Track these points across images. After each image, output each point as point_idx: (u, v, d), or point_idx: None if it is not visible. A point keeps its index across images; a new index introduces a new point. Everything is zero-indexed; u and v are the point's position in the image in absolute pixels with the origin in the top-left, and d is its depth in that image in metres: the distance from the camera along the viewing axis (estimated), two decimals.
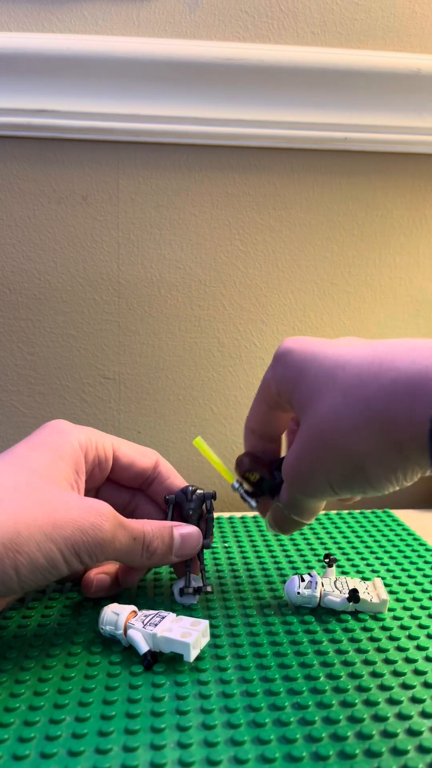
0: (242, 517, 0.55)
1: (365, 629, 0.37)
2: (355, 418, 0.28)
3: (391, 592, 0.42)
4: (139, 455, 0.40)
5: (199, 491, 0.41)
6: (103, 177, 0.60)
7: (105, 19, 0.58)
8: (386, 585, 0.43)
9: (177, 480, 0.42)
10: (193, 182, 0.61)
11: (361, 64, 0.58)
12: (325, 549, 0.48)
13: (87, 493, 0.39)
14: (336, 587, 0.39)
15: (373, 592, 0.39)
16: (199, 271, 0.63)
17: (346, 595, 0.38)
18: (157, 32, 0.58)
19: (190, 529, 0.38)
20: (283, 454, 0.39)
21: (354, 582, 0.40)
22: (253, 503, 0.39)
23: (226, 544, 0.49)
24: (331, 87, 0.58)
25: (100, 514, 0.33)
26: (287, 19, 0.59)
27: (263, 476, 0.38)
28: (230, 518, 0.54)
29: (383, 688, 0.31)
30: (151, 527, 0.36)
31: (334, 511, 0.57)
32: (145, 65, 0.56)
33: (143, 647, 0.32)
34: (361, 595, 0.38)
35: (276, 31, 0.59)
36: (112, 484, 0.41)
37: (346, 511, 0.57)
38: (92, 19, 0.58)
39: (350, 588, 0.39)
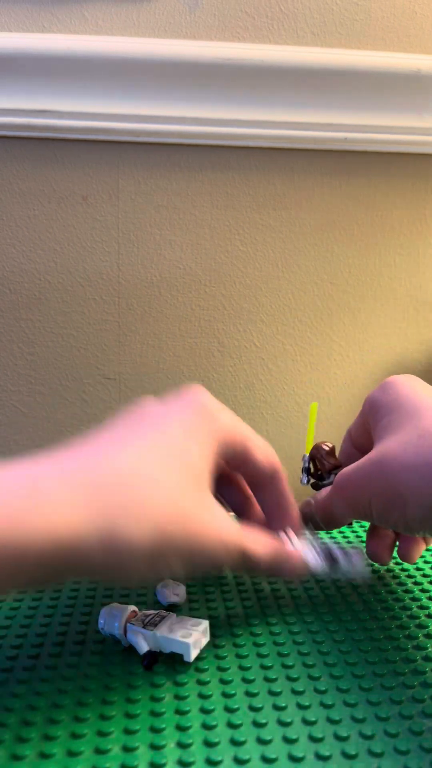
0: None
1: (365, 629, 0.37)
2: (418, 458, 0.30)
3: (390, 592, 0.42)
4: (263, 457, 0.37)
5: None
6: (103, 177, 0.60)
7: (105, 19, 0.58)
8: (385, 585, 0.43)
9: (290, 498, 0.38)
10: (193, 182, 0.61)
11: (361, 64, 0.58)
12: None
13: None
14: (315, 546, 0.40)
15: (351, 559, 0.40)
16: (199, 271, 0.63)
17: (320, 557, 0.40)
18: (157, 32, 0.58)
19: (294, 556, 0.36)
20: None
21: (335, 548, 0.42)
22: (305, 480, 0.43)
23: None
24: (331, 87, 0.58)
25: (230, 551, 0.31)
26: (287, 20, 0.59)
27: (322, 471, 0.42)
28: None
29: (383, 687, 0.31)
30: (263, 552, 0.34)
31: None
32: (145, 65, 0.56)
33: (143, 647, 0.32)
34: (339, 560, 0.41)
35: (276, 31, 0.59)
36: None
37: None
38: (92, 20, 0.58)
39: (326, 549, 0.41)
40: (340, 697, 0.30)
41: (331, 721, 0.29)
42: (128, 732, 0.28)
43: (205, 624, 0.33)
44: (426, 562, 0.46)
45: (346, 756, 0.27)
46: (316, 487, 0.43)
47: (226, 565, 0.34)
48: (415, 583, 0.43)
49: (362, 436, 0.40)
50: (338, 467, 0.42)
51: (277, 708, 0.30)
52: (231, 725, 0.28)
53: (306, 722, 0.29)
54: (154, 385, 0.64)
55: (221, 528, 0.31)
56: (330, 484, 0.41)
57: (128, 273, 0.62)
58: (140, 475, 0.28)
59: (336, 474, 0.41)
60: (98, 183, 0.60)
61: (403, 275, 0.65)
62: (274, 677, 0.32)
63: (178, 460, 0.30)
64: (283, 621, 0.37)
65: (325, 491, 0.39)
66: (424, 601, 0.40)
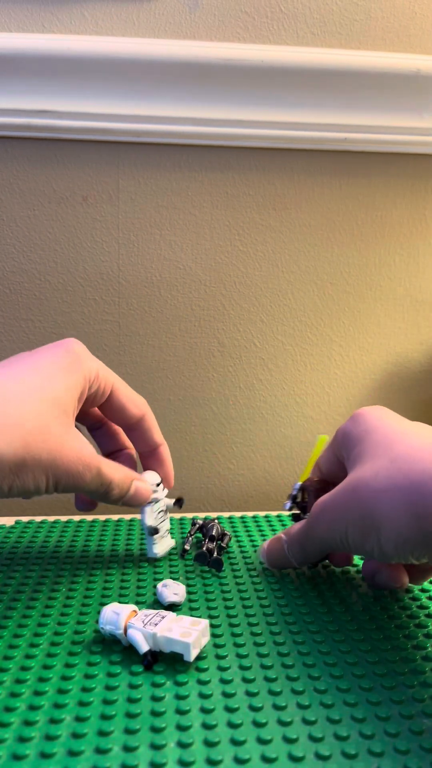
0: (242, 517, 0.55)
1: (364, 629, 0.37)
2: (390, 483, 0.31)
3: (390, 592, 0.42)
4: (132, 404, 0.43)
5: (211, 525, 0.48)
6: (103, 177, 0.60)
7: (105, 19, 0.58)
8: None
9: (156, 435, 0.45)
10: (193, 182, 0.61)
11: (361, 65, 0.58)
12: None
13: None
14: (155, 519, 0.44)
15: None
16: (199, 271, 0.63)
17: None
18: (157, 32, 0.58)
19: (144, 485, 0.42)
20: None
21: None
22: (288, 506, 0.43)
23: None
24: (331, 87, 0.58)
25: (89, 467, 0.37)
26: (287, 20, 0.59)
27: (307, 504, 0.42)
28: (230, 518, 0.55)
29: (383, 687, 0.31)
30: (119, 477, 0.40)
31: None
32: (145, 65, 0.56)
33: (143, 647, 0.32)
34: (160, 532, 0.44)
35: (276, 31, 0.59)
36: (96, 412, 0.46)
37: None
38: (92, 20, 0.58)
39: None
40: (340, 697, 0.30)
41: (331, 721, 0.29)
42: (128, 731, 0.28)
43: (205, 623, 0.33)
44: None
45: (346, 756, 0.27)
46: (297, 518, 0.43)
47: (86, 486, 0.38)
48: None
49: (333, 468, 0.41)
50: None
51: (277, 708, 0.30)
52: (231, 725, 0.28)
53: (306, 722, 0.29)
54: (154, 384, 0.64)
55: (81, 449, 0.37)
56: (300, 519, 0.42)
57: (128, 273, 0.62)
58: (10, 398, 0.35)
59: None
60: (98, 183, 0.60)
61: (403, 275, 0.65)
62: (274, 677, 0.32)
63: (44, 391, 0.36)
64: (283, 621, 0.37)
65: (297, 525, 0.39)
66: (424, 601, 0.40)
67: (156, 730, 0.28)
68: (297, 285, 0.64)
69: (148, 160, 0.60)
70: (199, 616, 0.38)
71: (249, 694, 0.31)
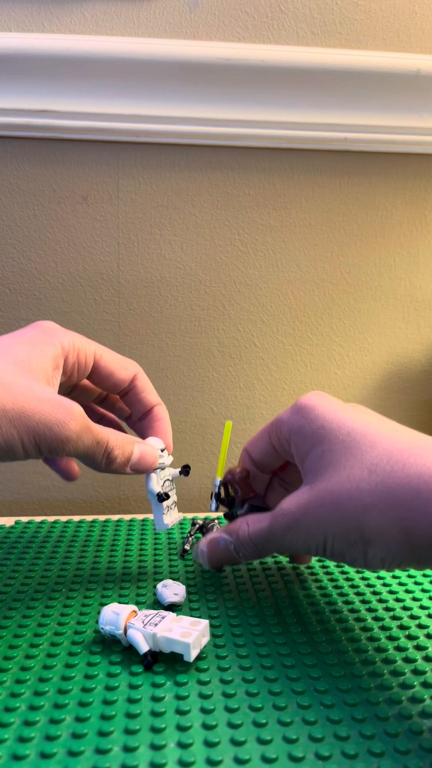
0: None
1: (365, 629, 0.37)
2: (376, 497, 0.30)
3: (390, 592, 0.42)
4: (119, 367, 0.42)
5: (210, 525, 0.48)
6: (103, 177, 0.60)
7: (105, 19, 0.58)
8: (386, 585, 0.43)
9: (151, 395, 0.44)
10: (193, 182, 0.61)
11: (361, 64, 0.58)
12: None
13: (61, 392, 0.41)
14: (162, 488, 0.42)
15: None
16: (199, 271, 0.63)
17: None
18: (157, 32, 0.58)
19: (149, 448, 0.40)
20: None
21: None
22: (213, 507, 0.41)
23: None
24: (331, 87, 0.58)
25: (70, 413, 0.34)
26: (287, 19, 0.59)
27: (235, 498, 0.40)
28: None
29: (383, 687, 0.31)
30: (116, 437, 0.37)
31: None
32: (145, 65, 0.56)
33: (143, 647, 0.32)
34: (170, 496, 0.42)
35: (276, 31, 0.59)
36: (88, 385, 0.44)
37: None
38: (92, 19, 0.58)
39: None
40: (340, 697, 0.30)
41: (331, 721, 0.29)
42: (128, 732, 0.28)
43: (205, 624, 0.33)
44: None
45: (346, 756, 0.27)
46: (230, 517, 0.41)
47: (77, 444, 0.34)
48: (416, 583, 0.43)
49: (268, 459, 0.39)
50: (253, 497, 0.40)
51: (277, 708, 0.30)
52: (231, 725, 0.28)
53: (306, 722, 0.29)
54: (154, 384, 0.64)
55: (59, 398, 0.34)
56: (242, 514, 0.39)
57: (128, 273, 0.62)
58: None
59: (250, 505, 0.40)
60: (98, 183, 0.60)
61: (403, 275, 0.65)
62: (274, 677, 0.32)
63: (17, 365, 0.35)
64: (282, 621, 0.37)
65: (242, 522, 0.37)
66: (425, 602, 0.40)
67: (156, 730, 0.28)
68: (297, 285, 0.64)
69: (148, 160, 0.60)
70: (199, 617, 0.38)
71: (249, 694, 0.31)
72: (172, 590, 0.39)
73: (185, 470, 0.43)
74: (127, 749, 0.27)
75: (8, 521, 0.53)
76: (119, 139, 0.59)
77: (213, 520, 0.49)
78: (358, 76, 0.58)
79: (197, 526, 0.49)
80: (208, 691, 0.31)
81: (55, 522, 0.53)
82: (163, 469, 0.42)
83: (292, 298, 0.65)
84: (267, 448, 0.39)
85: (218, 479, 0.40)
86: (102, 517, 0.55)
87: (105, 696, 0.30)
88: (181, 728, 0.28)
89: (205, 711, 0.29)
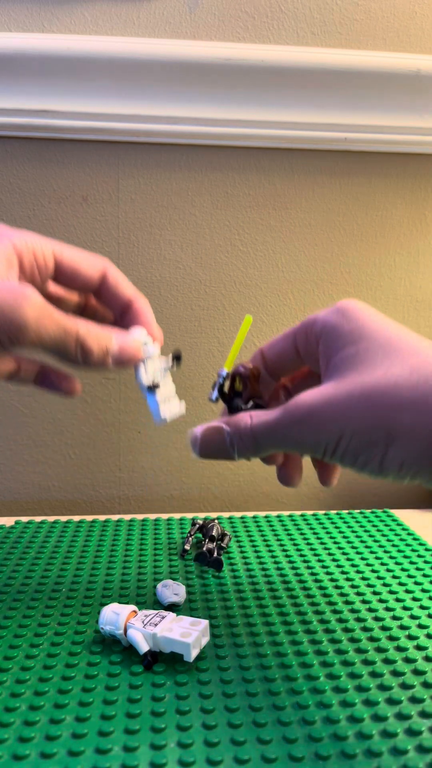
0: (242, 517, 0.55)
1: (365, 629, 0.37)
2: (415, 394, 0.28)
3: (390, 592, 0.42)
4: (84, 263, 0.38)
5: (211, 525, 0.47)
6: (103, 177, 0.60)
7: (105, 19, 0.58)
8: (386, 585, 0.43)
9: (127, 288, 0.40)
10: (193, 182, 0.61)
11: (361, 65, 0.58)
12: (325, 549, 0.48)
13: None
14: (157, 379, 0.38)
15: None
16: (199, 271, 0.63)
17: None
18: (157, 32, 0.58)
19: (129, 338, 0.37)
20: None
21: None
22: (213, 396, 0.36)
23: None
24: (331, 87, 0.58)
25: (23, 296, 0.31)
26: (287, 19, 0.59)
27: (242, 393, 0.36)
28: (230, 518, 0.55)
29: (383, 687, 0.31)
30: (87, 326, 0.34)
31: (334, 511, 0.57)
32: (145, 65, 0.56)
33: (143, 647, 0.32)
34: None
35: (276, 31, 0.59)
36: (97, 306, 0.41)
37: (346, 511, 0.57)
38: (92, 19, 0.58)
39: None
40: (339, 697, 0.30)
41: (331, 721, 0.29)
42: (129, 732, 0.28)
43: (205, 624, 0.33)
44: (426, 562, 0.46)
45: (346, 756, 0.27)
46: (234, 409, 0.36)
47: (38, 332, 0.32)
48: (416, 584, 0.43)
49: (286, 361, 0.36)
50: (259, 398, 0.36)
51: (276, 708, 0.30)
52: (231, 725, 0.28)
53: (305, 722, 0.29)
54: None
55: (12, 281, 0.33)
56: (242, 410, 0.35)
57: (128, 273, 0.62)
58: None
59: (255, 404, 0.36)
60: (98, 183, 0.60)
61: (403, 275, 0.65)
62: (273, 677, 0.32)
63: None
64: (282, 621, 0.37)
65: (244, 415, 0.33)
66: (425, 602, 0.40)
67: (156, 730, 0.28)
68: (297, 285, 0.64)
69: (148, 160, 0.60)
70: (199, 617, 0.38)
71: (249, 694, 0.31)
72: (172, 590, 0.39)
73: (176, 358, 0.40)
74: (128, 749, 0.27)
75: (8, 521, 0.53)
76: (119, 139, 0.59)
77: (213, 520, 0.49)
78: (358, 76, 0.58)
79: (197, 526, 0.49)
80: (208, 691, 0.31)
81: (55, 522, 0.53)
82: (150, 359, 0.38)
83: (292, 298, 0.65)
84: (287, 349, 0.36)
85: (224, 369, 0.36)
86: (102, 517, 0.55)
87: (105, 696, 0.30)
88: (181, 728, 0.28)
89: (205, 711, 0.29)
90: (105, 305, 0.41)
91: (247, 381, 0.36)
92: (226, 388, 0.36)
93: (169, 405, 0.39)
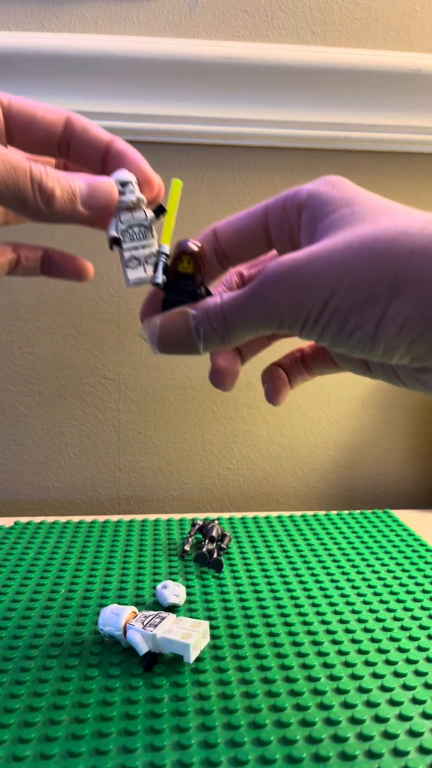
0: (242, 518, 0.55)
1: (366, 630, 0.37)
2: (427, 240, 0.24)
3: (391, 593, 0.41)
4: (41, 110, 0.32)
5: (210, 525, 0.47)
6: None
7: (105, 18, 0.58)
8: (386, 586, 0.43)
9: (100, 132, 0.32)
10: (193, 181, 0.61)
11: (361, 64, 0.58)
12: (325, 549, 0.48)
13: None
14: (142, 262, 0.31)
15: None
16: None
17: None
18: (157, 32, 0.58)
19: (100, 179, 0.30)
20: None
21: None
22: (159, 280, 0.30)
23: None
24: (331, 86, 0.58)
25: None
26: (287, 19, 0.59)
27: (194, 277, 0.30)
28: (230, 518, 0.54)
29: (384, 689, 0.31)
30: (44, 167, 0.29)
31: (334, 511, 0.57)
32: (145, 64, 0.56)
33: (143, 648, 0.32)
34: None
35: (276, 30, 0.59)
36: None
37: (346, 511, 0.57)
38: (92, 19, 0.58)
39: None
40: (339, 698, 0.30)
41: (331, 722, 0.29)
42: (128, 733, 0.28)
43: (205, 625, 0.33)
44: (427, 562, 0.46)
45: (346, 757, 0.26)
46: (187, 296, 0.29)
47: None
48: (417, 584, 0.43)
49: (245, 241, 0.31)
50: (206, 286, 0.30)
51: (276, 709, 0.29)
52: (230, 726, 0.28)
53: (306, 723, 0.28)
54: (153, 384, 0.64)
55: None
56: (199, 296, 0.29)
57: None
58: None
59: (205, 291, 0.30)
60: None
61: None
62: (273, 678, 0.32)
63: None
64: (282, 622, 0.37)
65: (214, 296, 0.28)
66: (426, 603, 0.40)
67: (155, 731, 0.28)
68: None
69: (148, 160, 0.60)
70: (199, 618, 0.37)
71: (248, 695, 0.30)
72: (172, 591, 0.39)
73: (159, 209, 0.32)
74: (127, 750, 0.27)
75: (8, 521, 0.53)
76: None
77: (213, 520, 0.49)
78: (359, 75, 0.58)
79: (197, 526, 0.49)
80: (207, 692, 0.30)
81: (54, 522, 0.53)
82: (131, 209, 0.31)
83: None
84: (253, 227, 0.31)
85: (165, 246, 0.31)
86: (102, 518, 0.55)
87: (104, 697, 0.30)
88: (181, 729, 0.28)
89: (204, 712, 0.29)
90: (77, 159, 0.33)
91: (199, 261, 0.30)
92: (170, 271, 0.30)
93: (146, 267, 0.32)
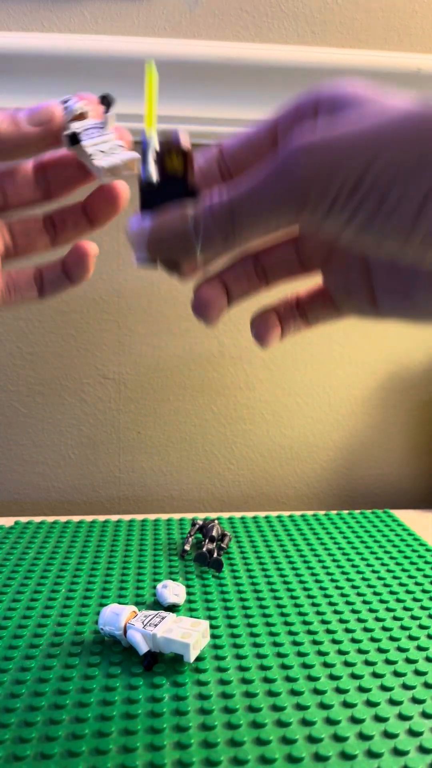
0: (242, 517, 0.55)
1: (366, 629, 0.37)
2: None
3: (391, 593, 0.41)
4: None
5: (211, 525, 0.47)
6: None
7: (105, 18, 0.58)
8: (386, 585, 0.43)
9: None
10: None
11: (362, 64, 0.58)
12: (325, 549, 0.48)
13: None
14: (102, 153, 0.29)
15: None
16: None
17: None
18: (157, 32, 0.58)
19: (44, 103, 0.29)
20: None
21: None
22: (154, 176, 0.26)
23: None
24: None
25: None
26: (287, 19, 0.59)
27: (186, 174, 0.25)
28: (230, 518, 0.54)
29: (384, 688, 0.31)
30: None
31: (334, 511, 0.57)
32: (145, 65, 0.56)
33: (143, 648, 0.32)
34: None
35: (276, 30, 0.59)
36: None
37: (346, 511, 0.57)
38: (92, 19, 0.58)
39: None
40: (339, 698, 0.30)
41: (331, 722, 0.29)
42: (128, 732, 0.28)
43: (205, 625, 0.33)
44: (427, 562, 0.46)
45: (346, 756, 0.26)
46: (150, 201, 0.25)
47: None
48: (417, 584, 0.43)
49: (255, 153, 0.28)
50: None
51: (276, 708, 0.29)
52: (230, 726, 0.28)
53: (305, 723, 0.29)
54: (153, 384, 0.64)
55: None
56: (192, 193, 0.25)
57: (128, 273, 0.62)
58: None
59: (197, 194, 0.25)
60: (98, 183, 0.60)
61: None
62: (273, 678, 0.32)
63: None
64: (282, 622, 0.37)
65: (210, 192, 0.24)
66: (426, 602, 0.40)
67: (155, 731, 0.28)
68: (297, 284, 0.64)
69: None
70: (199, 617, 0.37)
71: (248, 695, 0.30)
72: (172, 591, 0.39)
73: (103, 99, 0.31)
74: (127, 749, 0.27)
75: (8, 521, 0.53)
76: None
77: (213, 520, 0.49)
78: (359, 74, 0.58)
79: (197, 526, 0.49)
80: (207, 691, 0.30)
81: (54, 522, 0.53)
82: (79, 118, 0.30)
83: None
84: (261, 137, 0.28)
85: (153, 136, 0.27)
86: (102, 517, 0.55)
87: (104, 696, 0.30)
88: (181, 729, 0.28)
89: (204, 712, 0.29)
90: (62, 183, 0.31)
91: (191, 161, 0.26)
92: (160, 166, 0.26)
93: (107, 155, 0.30)
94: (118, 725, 0.28)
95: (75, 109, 0.30)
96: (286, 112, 0.27)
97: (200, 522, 0.49)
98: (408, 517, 0.56)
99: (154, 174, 0.25)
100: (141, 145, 0.26)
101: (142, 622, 0.33)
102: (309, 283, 0.30)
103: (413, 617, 0.38)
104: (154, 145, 0.26)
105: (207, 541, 0.46)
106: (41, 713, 0.29)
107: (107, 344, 0.63)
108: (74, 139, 0.29)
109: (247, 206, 0.23)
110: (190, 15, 0.58)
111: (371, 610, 0.39)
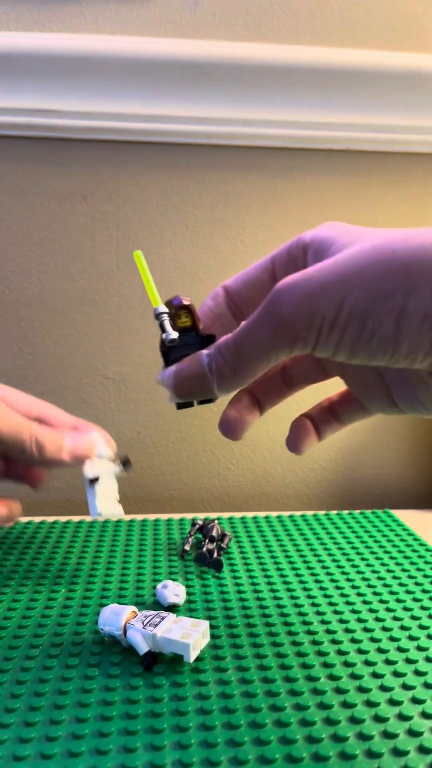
0: (242, 517, 0.55)
1: (366, 630, 0.37)
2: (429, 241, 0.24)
3: (391, 593, 0.41)
4: (19, 407, 0.44)
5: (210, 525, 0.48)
6: (103, 177, 0.60)
7: (105, 18, 0.58)
8: (386, 585, 0.43)
9: (65, 418, 0.46)
10: (193, 182, 0.61)
11: (362, 64, 0.58)
12: (325, 549, 0.48)
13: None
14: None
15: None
16: (199, 270, 0.63)
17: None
18: (157, 32, 0.58)
19: (80, 435, 0.42)
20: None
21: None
22: (174, 336, 0.31)
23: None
24: (332, 86, 0.58)
25: None
26: (288, 19, 0.59)
27: (194, 326, 0.31)
28: (230, 518, 0.54)
29: (384, 688, 0.31)
30: (40, 427, 0.41)
31: (334, 511, 0.57)
32: (145, 64, 0.56)
33: (143, 648, 0.32)
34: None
35: (276, 30, 0.59)
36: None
37: (346, 511, 0.57)
38: (92, 19, 0.58)
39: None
40: (339, 698, 0.30)
41: (331, 722, 0.29)
42: (128, 732, 0.28)
43: (205, 625, 0.33)
44: (427, 562, 0.46)
45: (346, 756, 0.26)
46: (197, 343, 0.31)
47: None
48: (417, 584, 0.43)
49: (258, 291, 0.32)
50: (208, 336, 0.31)
51: (276, 709, 0.29)
52: (230, 726, 0.28)
53: (305, 723, 0.29)
54: (153, 384, 0.64)
55: None
56: (210, 340, 0.31)
57: (128, 273, 0.62)
58: None
59: (208, 336, 0.31)
60: (98, 183, 0.60)
61: None
62: (273, 678, 0.32)
63: None
64: (282, 622, 0.37)
65: (223, 337, 0.28)
66: (426, 602, 0.40)
67: (155, 731, 0.28)
68: None
69: (148, 160, 0.60)
70: (199, 617, 0.37)
71: (248, 695, 0.30)
72: (172, 591, 0.39)
73: (124, 462, 0.44)
74: (127, 750, 0.27)
75: None
76: (119, 139, 0.59)
77: (213, 520, 0.49)
78: (359, 75, 0.58)
79: (197, 526, 0.49)
80: (207, 691, 0.30)
81: (54, 522, 0.53)
82: (101, 457, 0.43)
83: None
84: (261, 277, 0.32)
85: (161, 306, 0.32)
86: (102, 518, 0.55)
87: (104, 697, 0.30)
88: (181, 729, 0.28)
89: (204, 712, 0.29)
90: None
91: (195, 313, 0.31)
92: (172, 328, 0.31)
93: (107, 501, 0.42)
94: (118, 725, 0.28)
95: (104, 454, 0.43)
96: (279, 253, 0.32)
97: (200, 522, 0.49)
98: (408, 517, 0.56)
99: (174, 334, 0.30)
100: (157, 319, 0.31)
101: (142, 623, 0.33)
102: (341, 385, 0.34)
103: (413, 617, 0.38)
104: (165, 316, 0.31)
105: (207, 541, 0.46)
106: (41, 713, 0.29)
107: (107, 344, 0.63)
108: (94, 481, 0.42)
109: (248, 345, 0.26)
110: (191, 15, 0.58)
111: (371, 611, 0.39)
